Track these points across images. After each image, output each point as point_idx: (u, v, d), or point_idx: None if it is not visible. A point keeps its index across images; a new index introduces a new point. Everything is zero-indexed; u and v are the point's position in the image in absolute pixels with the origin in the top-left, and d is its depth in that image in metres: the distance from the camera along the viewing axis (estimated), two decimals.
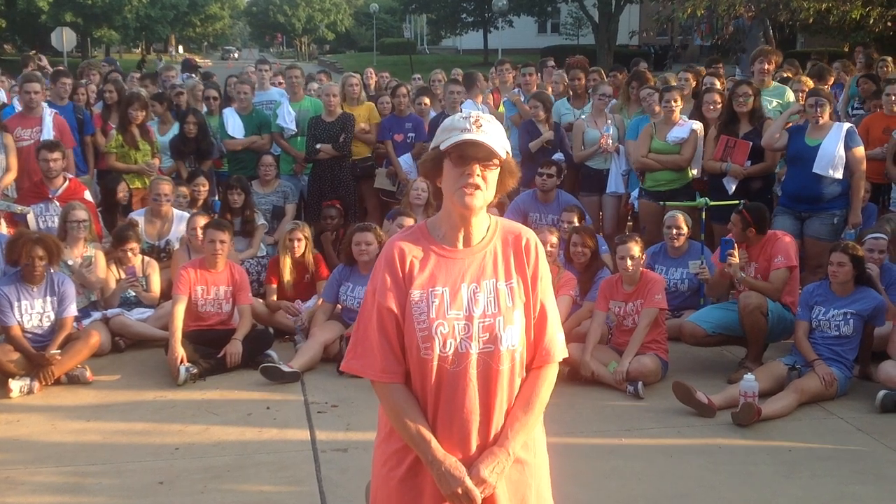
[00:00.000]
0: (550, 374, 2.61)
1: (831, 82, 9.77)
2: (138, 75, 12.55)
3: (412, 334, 2.49)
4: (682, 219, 7.09)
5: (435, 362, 2.48)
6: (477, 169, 2.46)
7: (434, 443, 2.49)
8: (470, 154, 2.45)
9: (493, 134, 2.47)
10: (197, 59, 22.10)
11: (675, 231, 7.08)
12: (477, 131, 2.44)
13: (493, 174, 2.49)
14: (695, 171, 7.91)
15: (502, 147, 2.49)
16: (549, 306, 2.60)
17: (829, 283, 5.94)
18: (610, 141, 8.42)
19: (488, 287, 2.52)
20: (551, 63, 11.57)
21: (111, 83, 9.82)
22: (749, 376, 5.52)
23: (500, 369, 2.51)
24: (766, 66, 8.27)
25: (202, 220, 7.33)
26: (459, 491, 2.45)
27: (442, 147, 2.48)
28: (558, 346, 2.61)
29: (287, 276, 7.27)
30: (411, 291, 2.50)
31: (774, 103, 8.09)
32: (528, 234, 2.63)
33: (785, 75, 9.68)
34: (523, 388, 2.57)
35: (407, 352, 2.52)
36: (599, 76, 9.86)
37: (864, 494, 4.58)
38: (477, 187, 2.46)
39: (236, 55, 74.13)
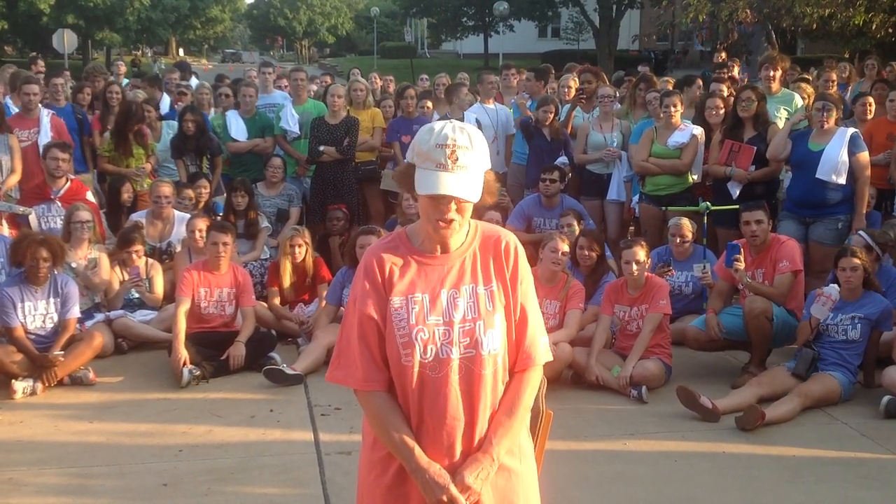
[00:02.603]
0: (533, 378, 2.57)
1: (816, 74, 9.70)
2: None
3: (393, 341, 2.47)
4: (686, 226, 7.09)
5: (416, 369, 2.46)
6: (452, 204, 2.43)
7: (417, 450, 2.46)
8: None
9: (471, 167, 2.41)
10: (189, 61, 22.13)
11: (678, 239, 7.08)
12: (453, 168, 2.38)
13: (468, 205, 2.46)
14: (695, 177, 7.91)
15: (478, 183, 2.44)
16: (531, 309, 2.57)
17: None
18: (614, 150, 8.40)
19: (468, 292, 2.50)
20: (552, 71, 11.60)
21: (115, 84, 9.81)
22: (834, 285, 5.79)
23: (483, 374, 2.48)
24: (773, 73, 8.24)
25: (201, 223, 7.33)
26: (444, 498, 2.43)
27: (417, 191, 2.44)
28: (540, 349, 2.57)
29: (287, 280, 7.28)
30: (391, 298, 2.48)
31: (783, 111, 8.04)
32: (508, 236, 2.60)
33: (804, 76, 9.60)
34: (506, 392, 2.54)
35: (388, 359, 2.50)
36: (602, 80, 9.85)
37: (869, 500, 4.58)
38: (452, 221, 2.45)
39: (243, 58, 73.64)
